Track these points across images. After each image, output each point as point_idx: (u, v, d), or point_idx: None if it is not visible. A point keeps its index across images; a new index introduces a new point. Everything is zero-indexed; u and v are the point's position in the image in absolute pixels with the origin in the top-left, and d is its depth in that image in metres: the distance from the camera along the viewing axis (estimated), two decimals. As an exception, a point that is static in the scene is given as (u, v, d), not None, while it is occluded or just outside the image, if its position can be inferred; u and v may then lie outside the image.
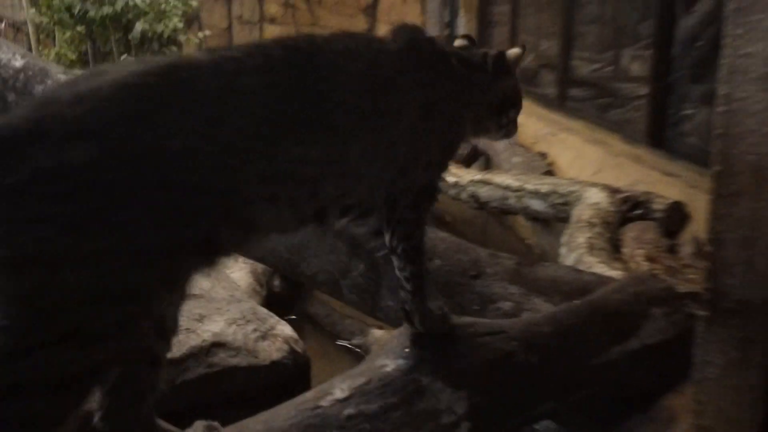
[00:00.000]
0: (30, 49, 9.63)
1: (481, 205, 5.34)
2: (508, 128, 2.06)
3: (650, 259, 3.27)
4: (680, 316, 2.15)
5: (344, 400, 1.77)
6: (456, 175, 5.65)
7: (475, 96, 1.96)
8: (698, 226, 3.72)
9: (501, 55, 2.00)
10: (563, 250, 3.63)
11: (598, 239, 3.52)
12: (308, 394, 1.84)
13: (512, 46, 6.81)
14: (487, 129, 2.07)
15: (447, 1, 9.96)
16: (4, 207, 1.34)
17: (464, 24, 8.71)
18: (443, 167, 1.96)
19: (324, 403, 1.77)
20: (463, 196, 5.50)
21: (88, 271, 1.36)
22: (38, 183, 1.33)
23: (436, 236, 2.47)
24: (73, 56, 8.42)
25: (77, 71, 8.70)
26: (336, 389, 1.81)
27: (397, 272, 1.91)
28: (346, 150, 1.69)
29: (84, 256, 1.35)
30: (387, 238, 1.91)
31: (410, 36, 1.89)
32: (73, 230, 1.35)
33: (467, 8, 8.58)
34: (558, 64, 6.47)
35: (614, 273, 2.90)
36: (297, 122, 1.60)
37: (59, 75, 2.50)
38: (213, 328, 3.53)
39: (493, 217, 5.97)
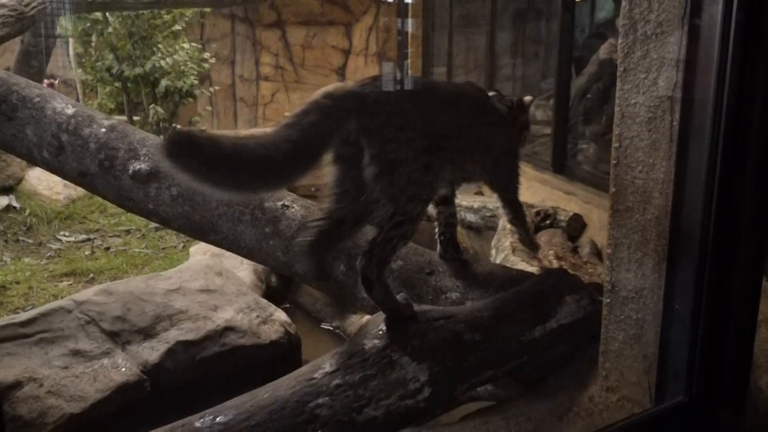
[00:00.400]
0: (78, 100, 9.45)
1: (429, 218, 5.32)
2: (524, 141, 2.48)
3: (559, 258, 3.27)
4: (586, 301, 2.14)
5: (332, 373, 1.72)
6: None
7: (512, 124, 2.37)
8: (593, 232, 3.75)
9: (521, 100, 2.40)
10: (493, 252, 3.62)
11: (519, 243, 3.52)
12: (304, 368, 1.80)
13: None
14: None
15: (398, 64, 9.98)
16: (377, 137, 1.80)
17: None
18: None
19: (317, 375, 1.73)
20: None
21: (419, 174, 1.86)
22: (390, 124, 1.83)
23: (399, 243, 2.44)
24: (112, 105, 8.26)
25: (116, 116, 8.56)
26: (326, 364, 1.76)
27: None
28: (474, 147, 2.19)
29: (419, 166, 1.86)
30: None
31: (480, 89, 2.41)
32: (414, 150, 1.85)
33: (414, 69, 8.59)
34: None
35: (533, 269, 2.90)
36: (464, 126, 2.10)
37: (102, 120, 2.41)
38: (225, 315, 3.45)
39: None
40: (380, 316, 1.94)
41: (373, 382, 1.70)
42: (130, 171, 2.38)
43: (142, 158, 2.40)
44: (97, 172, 2.43)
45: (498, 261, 3.36)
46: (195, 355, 3.28)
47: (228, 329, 3.39)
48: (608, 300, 1.70)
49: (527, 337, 2.00)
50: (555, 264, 3.21)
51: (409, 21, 8.59)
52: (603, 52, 4.72)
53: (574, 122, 5.01)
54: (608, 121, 4.96)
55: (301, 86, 10.52)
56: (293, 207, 2.40)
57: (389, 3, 10.05)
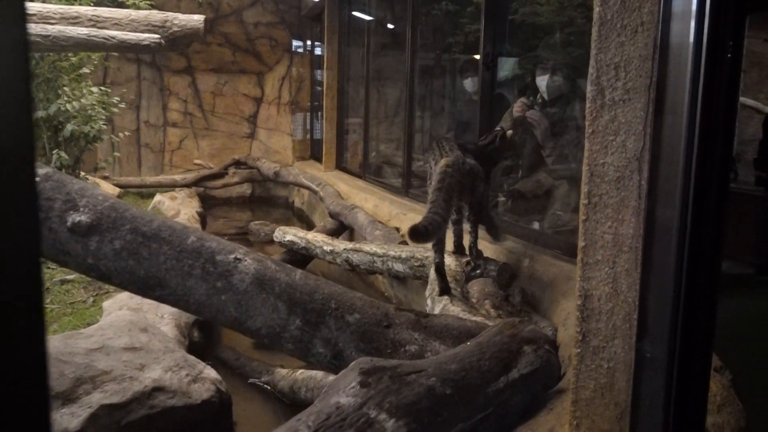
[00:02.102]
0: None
1: (353, 267, 5.32)
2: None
3: (495, 307, 3.35)
4: (543, 350, 2.20)
5: (311, 435, 1.66)
6: (331, 245, 5.62)
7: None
8: (521, 280, 3.88)
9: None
10: (429, 302, 3.65)
11: (454, 291, 3.58)
12: (279, 431, 1.72)
13: (362, 150, 6.93)
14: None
15: (309, 114, 10.06)
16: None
17: (328, 130, 8.79)
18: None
19: (294, 438, 1.66)
20: (338, 260, 5.47)
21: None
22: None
23: (353, 295, 2.42)
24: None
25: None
26: (302, 426, 1.70)
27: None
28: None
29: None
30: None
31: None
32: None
33: (329, 120, 8.69)
34: (402, 163, 6.64)
35: (479, 318, 2.95)
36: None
37: (36, 168, 2.23)
38: (153, 375, 3.25)
39: (357, 275, 5.97)
40: (349, 371, 1.90)
41: (353, 443, 1.66)
42: (69, 223, 2.23)
43: (81, 209, 2.26)
44: (29, 223, 2.26)
45: (437, 310, 3.39)
46: (120, 420, 3.05)
47: (156, 390, 3.19)
48: (578, 350, 1.76)
49: (492, 388, 2.02)
50: (493, 313, 3.28)
51: (325, 72, 8.71)
52: (516, 110, 4.98)
53: (494, 177, 5.23)
54: (524, 175, 5.22)
55: (211, 133, 10.35)
56: (246, 260, 2.33)
57: (303, 55, 10.16)
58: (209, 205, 9.68)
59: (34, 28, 4.03)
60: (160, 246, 2.26)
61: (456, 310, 3.23)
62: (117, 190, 8.29)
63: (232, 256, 2.32)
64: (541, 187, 5.15)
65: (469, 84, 5.50)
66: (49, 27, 4.13)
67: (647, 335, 1.64)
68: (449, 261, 4.08)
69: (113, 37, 4.31)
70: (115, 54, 7.94)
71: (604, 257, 1.69)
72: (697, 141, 1.49)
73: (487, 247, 4.37)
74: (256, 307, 2.28)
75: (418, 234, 2.82)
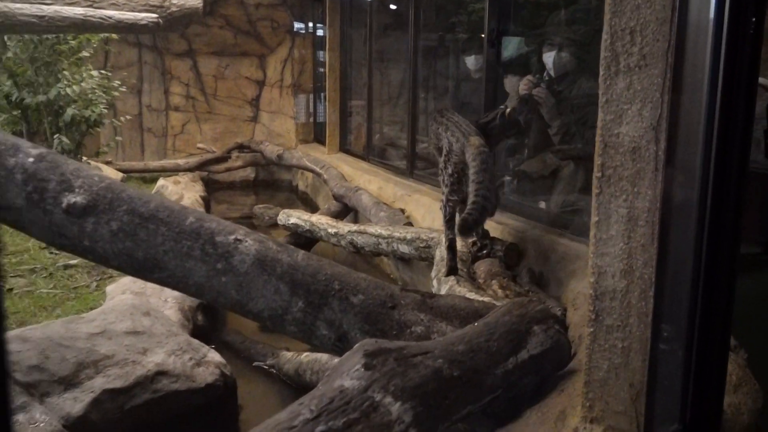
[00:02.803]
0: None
1: (357, 249, 5.26)
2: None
3: (502, 287, 3.28)
4: (554, 330, 2.13)
5: (314, 419, 1.59)
6: (336, 227, 5.55)
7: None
8: (529, 261, 3.81)
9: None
10: (434, 283, 3.58)
11: (461, 272, 3.51)
12: (281, 416, 1.65)
13: (366, 132, 6.85)
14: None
15: (312, 96, 9.95)
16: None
17: (332, 112, 8.69)
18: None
19: (296, 423, 1.59)
20: (343, 242, 5.40)
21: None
22: None
23: (358, 276, 2.35)
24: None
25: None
26: (305, 409, 1.63)
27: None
28: None
29: None
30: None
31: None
32: None
33: (332, 102, 8.58)
34: (407, 144, 6.55)
35: (486, 298, 2.88)
36: None
37: (29, 149, 2.18)
38: (155, 359, 3.20)
39: (362, 257, 5.91)
40: (353, 354, 1.84)
41: (358, 427, 1.59)
42: (64, 204, 2.16)
43: (77, 190, 2.19)
44: (23, 206, 2.18)
45: (443, 291, 3.33)
46: (124, 405, 3.00)
47: (160, 374, 3.14)
48: (591, 329, 1.69)
49: (501, 369, 1.96)
50: (500, 293, 3.21)
51: (327, 54, 8.59)
52: (522, 88, 4.87)
53: (498, 157, 5.13)
54: (530, 155, 5.11)
55: (214, 117, 10.26)
56: (246, 241, 2.26)
57: (305, 36, 10.03)
58: (213, 189, 9.61)
59: (29, 9, 3.94)
60: (158, 227, 2.19)
61: (463, 290, 3.16)
62: (120, 174, 8.22)
63: (233, 237, 2.25)
64: (547, 168, 5.05)
65: (472, 62, 5.39)
66: (44, 7, 4.04)
67: (664, 314, 1.56)
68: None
69: (110, 17, 4.21)
70: (115, 37, 7.83)
71: (618, 232, 1.61)
72: (718, 108, 1.41)
73: (493, 227, 4.29)
74: (258, 288, 2.21)
75: (467, 229, 2.96)
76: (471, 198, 3.04)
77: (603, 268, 1.65)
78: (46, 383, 2.87)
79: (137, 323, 3.33)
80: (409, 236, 4.55)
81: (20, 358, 2.91)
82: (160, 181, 8.06)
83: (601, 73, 1.59)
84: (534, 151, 4.97)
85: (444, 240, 3.68)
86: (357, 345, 1.88)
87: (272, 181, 10.27)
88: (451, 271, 3.47)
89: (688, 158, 1.48)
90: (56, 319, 3.91)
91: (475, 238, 3.98)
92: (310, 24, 10.04)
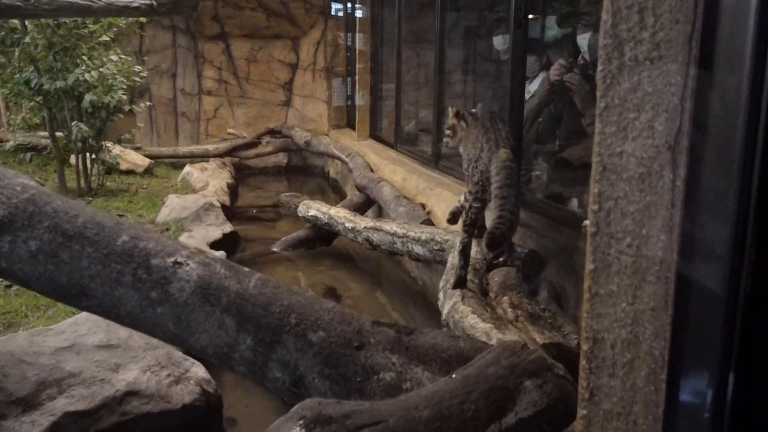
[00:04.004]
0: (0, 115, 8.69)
1: (373, 247, 4.87)
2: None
3: (514, 305, 2.83)
4: (551, 385, 1.69)
5: None
6: (353, 221, 5.17)
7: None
8: (550, 271, 3.34)
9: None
10: (441, 295, 3.17)
11: (469, 286, 3.07)
12: None
13: (398, 115, 6.38)
14: None
15: (346, 80, 9.55)
16: None
17: (361, 97, 8.28)
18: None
19: None
20: (359, 239, 5.02)
21: None
22: None
23: (321, 307, 1.95)
24: (37, 120, 7.60)
25: (40, 133, 7.84)
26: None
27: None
28: None
29: None
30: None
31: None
32: None
33: (362, 86, 8.16)
34: (433, 131, 6.08)
35: (486, 326, 2.45)
36: None
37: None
38: (127, 376, 2.89)
39: (383, 254, 5.53)
40: (288, 421, 1.45)
41: None
42: (-24, 220, 1.84)
43: (-7, 203, 1.86)
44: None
45: (445, 309, 2.91)
46: (88, 428, 2.71)
47: (130, 394, 2.84)
48: (585, 411, 1.26)
49: (478, 440, 1.54)
50: (510, 313, 2.77)
51: (358, 36, 8.15)
52: (553, 73, 4.35)
53: (526, 147, 4.62)
54: (560, 148, 4.59)
55: (246, 101, 9.98)
56: (188, 265, 1.89)
57: (337, 17, 9.60)
58: (245, 175, 9.36)
59: (14, -8, 3.67)
60: (83, 248, 1.84)
61: (466, 310, 2.73)
62: (147, 161, 8.04)
63: (171, 259, 1.88)
64: (590, 154, 4.50)
65: (499, 41, 4.87)
66: (30, -10, 3.76)
67: (680, 403, 1.11)
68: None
69: (100, 0, 3.90)
70: (143, 19, 7.58)
71: (620, 288, 1.16)
72: (764, 120, 0.94)
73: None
74: (199, 322, 1.85)
75: (496, 244, 2.87)
76: (496, 213, 2.92)
77: (600, 334, 1.21)
78: (2, 404, 2.60)
79: (112, 335, 3.03)
80: (423, 237, 4.13)
81: (-25, 375, 2.65)
82: (186, 168, 7.83)
83: (600, 67, 1.13)
84: (566, 142, 4.46)
85: (458, 244, 3.26)
86: (296, 407, 1.50)
87: (304, 167, 9.95)
88: (459, 283, 3.05)
89: (720, 189, 1.02)
90: (46, 321, 3.67)
91: (491, 244, 3.53)
92: (343, 4, 9.60)
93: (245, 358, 1.86)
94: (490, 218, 2.99)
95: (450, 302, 2.91)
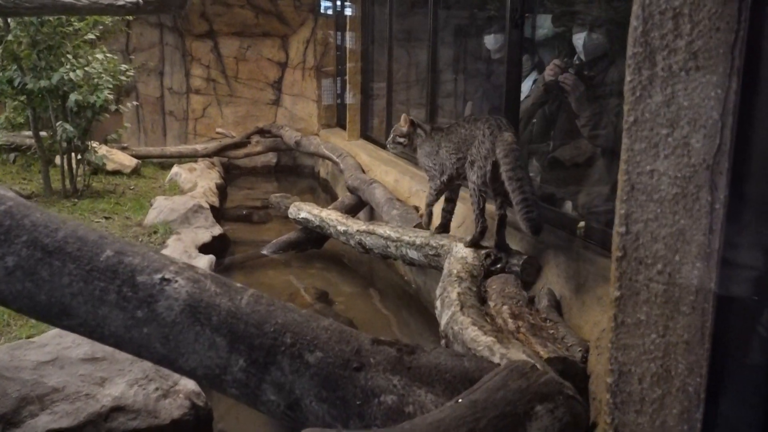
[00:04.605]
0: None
1: (366, 250, 4.75)
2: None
3: (514, 315, 2.73)
4: (563, 410, 1.59)
5: None
6: (345, 224, 5.05)
7: None
8: (549, 278, 3.25)
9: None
10: (438, 304, 3.06)
11: (467, 294, 2.97)
12: None
13: (389, 115, 6.26)
14: None
15: (336, 79, 9.43)
16: None
17: (351, 96, 8.16)
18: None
19: None
20: (352, 242, 4.91)
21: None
22: None
23: (318, 325, 1.84)
24: (21, 120, 7.40)
25: (24, 133, 7.65)
26: None
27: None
28: None
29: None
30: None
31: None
32: None
33: (353, 85, 8.03)
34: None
35: (488, 339, 2.35)
36: None
37: None
38: (113, 391, 2.76)
39: (375, 257, 5.42)
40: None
41: None
42: (-51, 234, 1.71)
43: (-33, 216, 1.73)
44: None
45: (444, 319, 2.80)
46: (72, 446, 2.59)
47: (116, 410, 2.71)
48: (608, 448, 1.16)
49: (487, 472, 1.44)
50: (511, 324, 2.67)
51: (348, 34, 8.02)
52: (548, 73, 4.26)
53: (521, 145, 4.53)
54: (553, 150, 4.50)
55: (235, 100, 9.83)
56: (176, 281, 1.77)
57: (327, 15, 9.46)
58: (234, 175, 9.21)
59: (-6, -10, 3.51)
60: (64, 264, 1.72)
61: (465, 321, 2.63)
62: (134, 161, 7.88)
63: (159, 276, 1.76)
64: (583, 154, 4.43)
65: (491, 41, 4.77)
66: (10, -13, 3.61)
67: (717, 445, 1.02)
68: (466, 253, 3.46)
69: (83, -2, 3.76)
70: (130, 17, 7.41)
71: (650, 317, 1.06)
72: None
73: (509, 234, 3.73)
74: (189, 342, 1.73)
75: (539, 226, 2.97)
76: (519, 196, 2.99)
77: (626, 366, 1.11)
78: (-19, 422, 2.48)
79: (97, 347, 2.90)
80: (418, 241, 4.02)
81: (-48, 392, 2.52)
82: (174, 169, 7.67)
83: (628, 79, 1.03)
84: (560, 144, 4.37)
85: (477, 225, 3.46)
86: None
87: (294, 167, 9.82)
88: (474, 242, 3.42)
89: (765, 214, 0.92)
90: (29, 330, 3.52)
91: (488, 249, 3.44)
92: (333, 2, 9.46)
93: (238, 381, 1.74)
94: (512, 201, 3.06)
95: (448, 312, 2.81)
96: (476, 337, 2.41)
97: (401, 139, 3.88)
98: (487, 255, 3.39)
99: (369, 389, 1.72)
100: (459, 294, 2.96)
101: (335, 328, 1.84)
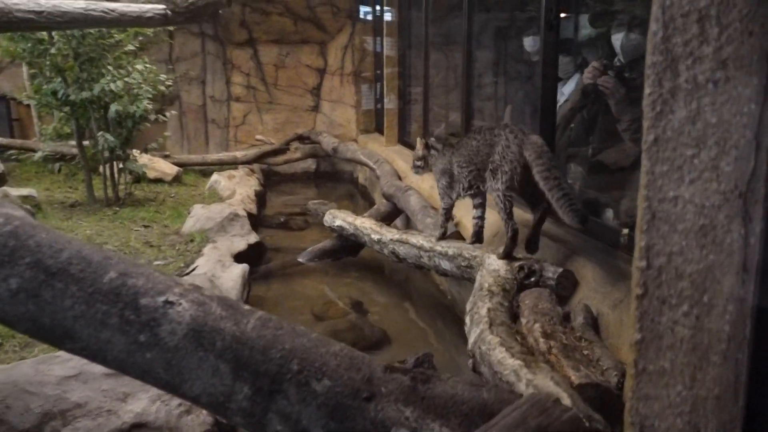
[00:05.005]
0: (34, 125, 8.73)
1: (400, 260, 4.65)
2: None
3: (546, 335, 2.58)
4: (587, 451, 1.45)
5: None
6: (379, 233, 4.96)
7: None
8: (585, 293, 3.07)
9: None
10: (467, 320, 2.92)
11: (498, 311, 2.83)
12: None
13: (426, 120, 6.18)
14: None
15: (374, 84, 9.35)
16: None
17: (389, 101, 8.07)
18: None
19: None
20: (385, 251, 4.81)
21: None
22: None
23: (327, 351, 1.74)
24: (68, 129, 7.58)
25: (71, 142, 7.82)
26: None
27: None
28: None
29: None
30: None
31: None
32: None
33: (391, 90, 7.94)
34: (461, 135, 5.82)
35: (515, 363, 2.20)
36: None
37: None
38: (135, 407, 2.72)
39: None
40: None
41: None
42: (-46, 255, 1.68)
43: (-28, 237, 1.70)
44: None
45: (472, 338, 2.67)
46: (92, 464, 2.57)
47: (137, 426, 2.68)
48: None
49: None
50: (542, 344, 2.51)
51: (385, 40, 7.94)
52: (586, 76, 4.07)
53: (557, 154, 4.34)
54: (593, 156, 4.30)
55: (274, 107, 9.87)
56: (180, 304, 1.69)
57: (365, 21, 9.40)
58: (274, 181, 9.24)
59: (27, 4, 3.55)
60: (67, 286, 1.67)
61: (494, 340, 2.49)
62: (175, 169, 7.96)
63: (162, 298, 1.69)
64: (628, 158, 4.21)
65: (529, 43, 4.60)
66: (42, 2, 3.64)
67: None
68: (498, 266, 3.31)
69: (113, 10, 3.77)
70: (170, 28, 7.50)
71: (675, 366, 0.92)
72: None
73: (546, 245, 3.56)
74: (192, 368, 1.65)
75: (585, 217, 2.97)
76: (558, 192, 2.98)
77: (648, 420, 0.97)
78: (4, 438, 2.47)
79: (121, 362, 2.87)
80: (450, 252, 3.89)
81: (-23, 408, 2.52)
82: (214, 176, 7.73)
83: (647, 92, 0.89)
84: (598, 151, 4.16)
85: (508, 231, 3.39)
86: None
87: (334, 173, 9.78)
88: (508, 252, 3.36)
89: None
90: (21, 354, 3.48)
91: (522, 262, 3.28)
92: (371, 8, 9.40)
93: (242, 409, 1.66)
94: (551, 200, 3.04)
95: (477, 330, 2.67)
96: (503, 359, 2.27)
97: (419, 162, 4.05)
98: (521, 268, 3.23)
99: (379, 421, 1.61)
100: (489, 310, 2.82)
101: (345, 354, 1.73)
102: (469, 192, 3.74)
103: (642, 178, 0.92)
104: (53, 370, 2.76)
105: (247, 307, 1.81)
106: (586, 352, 2.48)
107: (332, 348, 1.74)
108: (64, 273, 1.69)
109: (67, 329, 1.68)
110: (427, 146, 4.00)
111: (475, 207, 3.82)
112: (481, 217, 3.83)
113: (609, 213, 4.00)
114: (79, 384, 2.73)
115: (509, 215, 3.36)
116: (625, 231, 3.26)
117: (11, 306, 1.70)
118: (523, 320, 2.81)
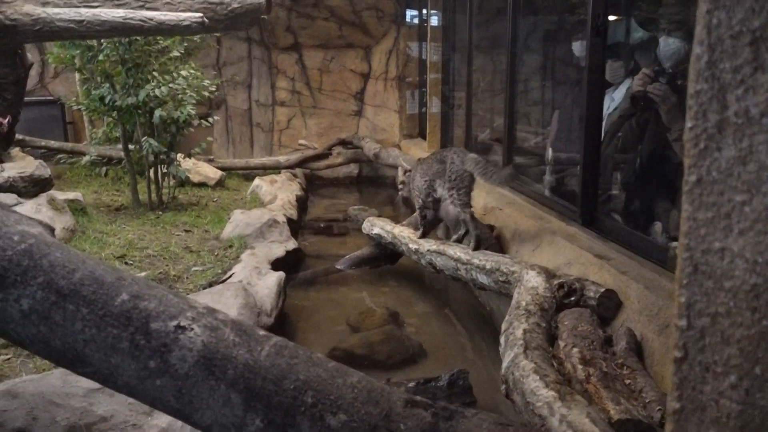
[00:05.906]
0: (85, 129, 8.96)
1: (437, 271, 4.53)
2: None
3: (585, 361, 2.42)
4: None
5: None
6: (417, 243, 4.85)
7: None
8: (629, 315, 2.89)
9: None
10: (502, 340, 2.78)
11: (534, 332, 2.68)
12: None
13: (468, 125, 6.17)
14: None
15: (418, 89, 9.25)
16: None
17: (433, 105, 7.95)
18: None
19: None
20: (423, 262, 4.69)
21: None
22: None
23: (344, 382, 1.64)
24: (117, 134, 7.73)
25: (119, 146, 7.97)
26: None
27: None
28: None
29: None
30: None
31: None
32: None
33: (434, 94, 7.82)
34: (504, 141, 5.67)
35: (549, 394, 2.06)
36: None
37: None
38: (160, 422, 2.67)
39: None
40: None
41: None
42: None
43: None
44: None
45: (505, 361, 2.53)
46: (115, 479, 2.54)
47: (161, 442, 2.65)
48: None
49: None
50: (580, 371, 2.35)
51: (429, 44, 7.82)
52: (636, 83, 3.87)
53: (603, 164, 4.14)
54: (642, 164, 4.09)
55: (318, 111, 9.86)
56: (192, 329, 1.62)
57: (410, 26, 9.30)
58: (316, 186, 9.23)
59: (67, 14, 3.59)
60: (78, 308, 1.62)
61: (528, 366, 2.35)
62: (219, 173, 8.02)
63: (174, 323, 1.62)
64: (678, 168, 3.98)
65: (578, 47, 4.42)
66: (82, 11, 3.67)
67: None
68: (537, 283, 3.16)
69: (151, 19, 3.77)
70: (218, 34, 7.56)
71: (719, 445, 0.79)
72: None
73: (589, 262, 3.38)
74: (203, 397, 1.58)
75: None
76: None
77: (687, 503, 0.83)
78: (29, 451, 2.46)
79: (149, 374, 2.84)
80: (488, 266, 3.75)
81: (5, 418, 2.52)
82: (256, 181, 7.75)
83: (689, 125, 0.76)
84: (649, 160, 3.95)
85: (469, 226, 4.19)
86: None
87: (376, 178, 9.71)
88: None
89: None
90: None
91: (562, 279, 3.12)
92: (416, 12, 9.29)
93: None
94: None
95: (511, 353, 2.53)
96: (536, 389, 2.13)
97: (401, 186, 5.08)
98: (561, 286, 3.07)
99: (396, 463, 1.50)
100: (525, 331, 2.67)
101: (363, 386, 1.63)
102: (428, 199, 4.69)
103: (682, 224, 0.79)
104: (80, 382, 2.74)
105: (262, 332, 1.72)
106: (627, 382, 2.31)
107: (350, 379, 1.64)
108: (75, 294, 1.64)
109: (78, 353, 1.63)
110: (405, 172, 4.96)
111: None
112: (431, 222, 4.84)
113: (657, 226, 3.79)
114: (105, 397, 2.71)
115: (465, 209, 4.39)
116: (675, 244, 3.06)
117: (23, 327, 1.66)
118: (561, 343, 2.65)
